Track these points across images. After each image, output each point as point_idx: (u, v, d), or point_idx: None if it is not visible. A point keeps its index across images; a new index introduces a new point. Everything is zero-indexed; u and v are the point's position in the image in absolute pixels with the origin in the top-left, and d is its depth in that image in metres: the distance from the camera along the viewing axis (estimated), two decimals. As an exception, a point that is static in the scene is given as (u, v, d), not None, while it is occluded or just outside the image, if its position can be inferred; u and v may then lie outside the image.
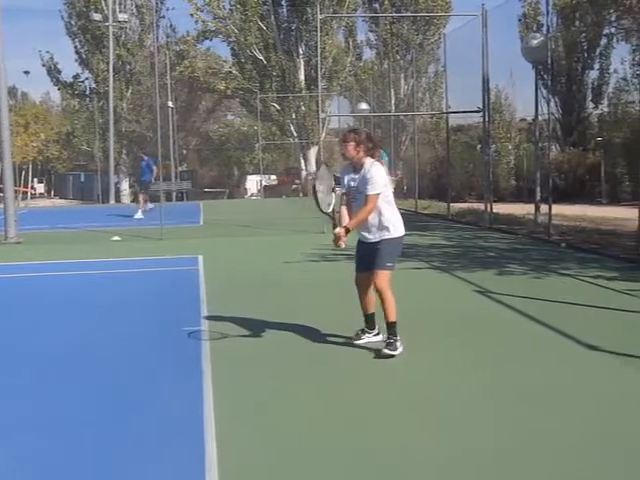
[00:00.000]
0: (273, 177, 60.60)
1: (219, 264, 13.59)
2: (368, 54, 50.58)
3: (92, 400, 5.99)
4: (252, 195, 55.32)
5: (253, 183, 57.00)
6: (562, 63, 33.60)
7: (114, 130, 47.35)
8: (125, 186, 53.39)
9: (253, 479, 4.51)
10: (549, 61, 19.36)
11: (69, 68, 63.26)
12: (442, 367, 6.61)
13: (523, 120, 36.10)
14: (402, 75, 46.03)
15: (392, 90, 42.54)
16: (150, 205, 25.01)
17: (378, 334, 7.34)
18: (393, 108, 42.06)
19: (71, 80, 55.65)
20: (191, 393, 5.99)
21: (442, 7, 44.77)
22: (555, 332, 7.75)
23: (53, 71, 55.23)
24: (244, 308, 9.37)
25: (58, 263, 14.35)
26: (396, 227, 7.00)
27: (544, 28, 21.40)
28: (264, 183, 51.18)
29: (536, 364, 6.71)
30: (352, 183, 7.03)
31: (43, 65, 54.82)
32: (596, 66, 34.94)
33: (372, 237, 6.95)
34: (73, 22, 53.56)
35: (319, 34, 23.80)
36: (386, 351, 6.83)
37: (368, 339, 7.33)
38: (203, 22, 48.29)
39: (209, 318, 8.74)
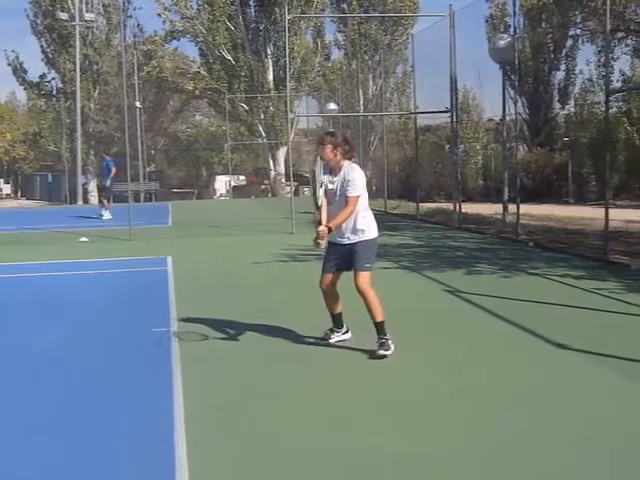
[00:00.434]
0: (242, 177, 60.49)
1: (188, 265, 13.53)
2: (336, 54, 50.71)
3: (61, 401, 5.94)
4: (221, 195, 55.18)
5: (222, 183, 56.86)
6: (529, 64, 33.87)
7: (82, 130, 46.98)
8: (93, 187, 52.98)
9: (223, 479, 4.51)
10: (516, 62, 19.50)
11: (35, 68, 62.89)
12: (414, 367, 6.62)
13: (491, 120, 36.32)
14: (370, 75, 46.13)
15: (360, 90, 42.60)
16: (106, 209, 24.48)
17: (347, 332, 7.38)
18: (362, 108, 42.13)
19: (37, 80, 55.16)
20: (161, 394, 5.96)
21: (410, 8, 44.90)
22: (525, 331, 7.80)
23: (19, 71, 54.69)
24: (213, 309, 9.34)
25: (24, 264, 14.20)
26: (370, 229, 7.02)
27: (511, 29, 21.52)
28: (233, 183, 51.06)
29: (508, 364, 6.74)
30: (330, 185, 6.98)
31: (8, 64, 54.29)
32: (562, 67, 35.31)
33: (346, 239, 6.96)
34: (39, 21, 53.06)
35: (287, 34, 23.77)
36: (380, 352, 6.81)
37: (338, 337, 7.35)
38: (171, 22, 48.14)
39: (178, 319, 8.69)
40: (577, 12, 22.44)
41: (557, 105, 35.75)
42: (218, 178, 59.53)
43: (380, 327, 6.93)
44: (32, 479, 4.58)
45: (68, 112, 52.11)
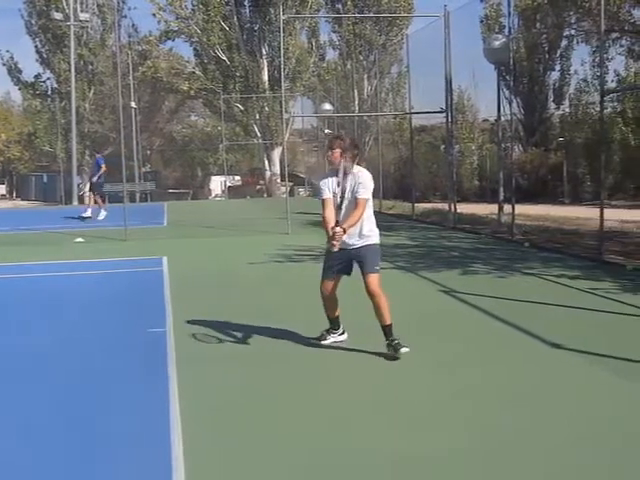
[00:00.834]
0: (237, 178, 60.52)
1: (183, 265, 13.52)
2: (331, 55, 50.73)
3: (58, 401, 5.94)
4: (216, 196, 55.23)
5: (217, 184, 56.91)
6: (524, 64, 33.92)
7: (77, 131, 46.93)
8: (88, 187, 52.92)
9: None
10: (511, 62, 19.53)
11: (30, 68, 62.81)
12: (410, 367, 6.61)
13: (486, 121, 36.40)
14: (365, 76, 46.11)
15: (355, 91, 42.66)
16: (89, 210, 24.27)
17: (343, 333, 7.38)
18: (357, 109, 42.15)
19: (32, 80, 55.15)
20: (157, 394, 5.96)
21: (404, 8, 44.91)
22: (520, 331, 7.81)
23: (14, 71, 54.70)
24: (209, 309, 9.34)
25: (20, 265, 14.18)
26: (375, 233, 7.06)
27: (506, 29, 21.55)
28: (228, 184, 51.08)
29: (504, 364, 6.75)
30: (337, 189, 6.88)
31: (3, 64, 54.32)
32: (557, 67, 35.38)
33: (352, 243, 6.92)
34: (33, 21, 53.07)
35: (282, 35, 23.83)
36: (403, 350, 6.78)
37: (334, 339, 7.36)
38: (165, 22, 48.19)
39: (174, 319, 8.69)
40: (572, 12, 22.49)
41: (552, 105, 35.84)
42: (213, 178, 59.60)
43: (389, 329, 6.91)
44: (29, 479, 4.58)
45: (63, 112, 52.12)
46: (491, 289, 10.27)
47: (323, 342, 7.34)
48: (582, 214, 19.75)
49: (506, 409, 5.55)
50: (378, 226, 7.10)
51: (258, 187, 52.91)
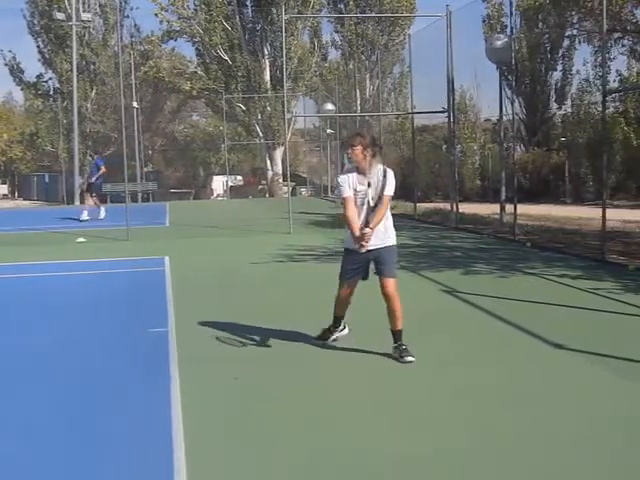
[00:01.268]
0: (239, 178, 60.53)
1: (185, 265, 13.52)
2: (333, 54, 50.78)
3: (59, 401, 5.94)
4: (218, 196, 55.22)
5: (219, 184, 56.89)
6: (526, 64, 33.88)
7: (78, 131, 46.95)
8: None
9: (222, 481, 4.51)
10: (513, 62, 19.53)
11: (32, 68, 62.86)
12: (412, 367, 6.62)
13: (488, 120, 36.37)
14: (367, 75, 46.13)
15: (357, 90, 42.66)
16: (86, 209, 24.18)
17: (344, 328, 7.33)
18: (359, 108, 42.15)
19: (34, 80, 55.20)
20: (159, 394, 5.96)
21: (407, 8, 44.90)
22: (522, 331, 7.81)
23: (16, 71, 54.75)
24: (211, 309, 9.34)
25: (22, 265, 14.19)
26: (394, 234, 6.97)
27: (508, 29, 21.53)
28: (230, 184, 51.07)
29: (506, 363, 6.75)
30: (359, 187, 6.75)
31: (5, 64, 54.37)
32: (559, 67, 35.32)
33: (372, 243, 6.73)
34: (36, 21, 53.11)
35: (284, 34, 23.83)
36: (409, 358, 6.72)
37: (336, 334, 7.30)
38: (168, 22, 48.18)
39: (176, 319, 8.69)
40: (574, 12, 22.46)
41: (554, 105, 35.78)
42: (215, 178, 59.59)
43: (399, 335, 6.85)
44: (29, 479, 4.58)
45: (65, 112, 52.16)
46: (493, 289, 10.27)
47: (327, 341, 7.29)
48: (584, 214, 19.73)
49: (507, 409, 5.55)
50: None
51: (260, 187, 52.92)
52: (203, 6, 45.95)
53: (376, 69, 43.65)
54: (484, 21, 33.31)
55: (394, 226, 7.00)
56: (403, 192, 30.22)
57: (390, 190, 6.73)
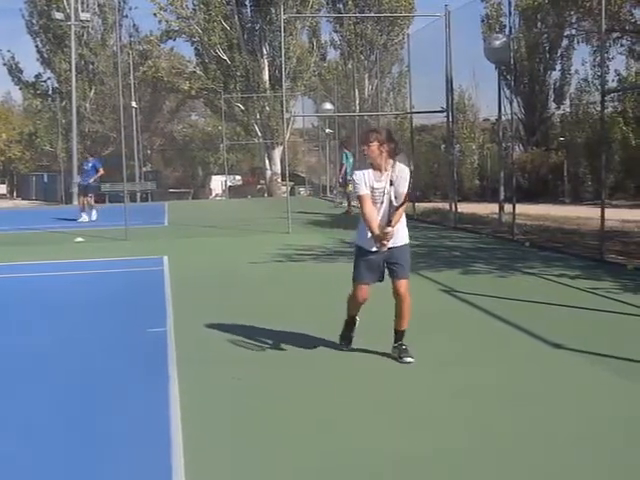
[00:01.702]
0: (238, 177, 60.51)
1: (184, 265, 13.51)
2: (332, 54, 50.74)
3: (58, 401, 5.93)
4: (217, 195, 55.22)
5: (218, 183, 56.89)
6: (524, 64, 33.86)
7: (77, 130, 46.90)
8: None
9: (221, 481, 4.51)
10: (512, 62, 19.54)
11: (31, 67, 62.76)
12: (411, 367, 6.61)
13: (486, 120, 36.34)
14: (366, 75, 46.10)
15: (356, 90, 42.58)
16: (84, 214, 23.99)
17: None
18: (357, 108, 42.09)
19: (33, 80, 55.19)
20: (158, 395, 5.95)
21: (405, 8, 44.89)
22: (521, 331, 7.81)
23: (14, 70, 54.75)
24: (210, 309, 9.34)
25: (20, 265, 14.19)
26: (407, 232, 6.83)
27: (506, 29, 21.54)
28: (229, 183, 51.05)
29: (505, 363, 6.74)
30: (376, 184, 6.58)
31: (4, 64, 54.38)
32: (558, 67, 35.29)
33: (394, 241, 6.59)
34: (34, 21, 53.12)
35: (283, 34, 23.80)
36: (408, 359, 6.70)
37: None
38: (166, 22, 48.14)
39: (175, 319, 8.69)
40: (572, 12, 22.45)
41: (553, 105, 35.75)
42: (214, 178, 59.60)
43: (402, 335, 6.81)
44: (29, 479, 4.58)
45: (64, 112, 52.14)
46: (492, 289, 10.27)
47: (348, 344, 7.06)
48: (583, 214, 19.72)
49: (506, 409, 5.55)
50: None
51: (259, 187, 52.91)
52: (202, 6, 45.91)
53: (375, 69, 43.63)
54: (483, 21, 33.28)
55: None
56: (402, 192, 30.26)
57: (406, 187, 6.56)
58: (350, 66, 44.12)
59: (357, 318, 7.08)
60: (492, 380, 6.23)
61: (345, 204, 25.46)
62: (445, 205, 21.36)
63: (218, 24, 45.72)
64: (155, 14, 47.17)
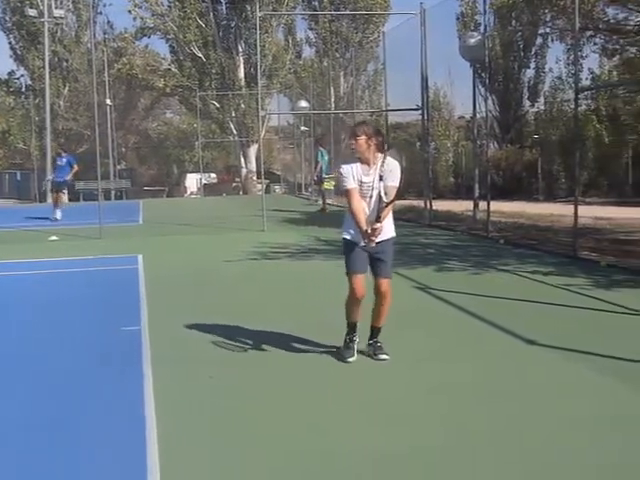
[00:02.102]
0: (213, 175, 60.29)
1: (159, 263, 13.47)
2: (308, 52, 50.77)
3: (30, 402, 5.89)
4: (192, 193, 54.98)
5: (193, 181, 56.65)
6: (499, 62, 34.04)
7: (51, 128, 46.57)
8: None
9: None
10: (486, 60, 19.60)
11: (4, 65, 62.18)
12: (387, 364, 6.61)
13: (461, 118, 36.54)
14: (342, 73, 46.15)
15: (332, 88, 42.66)
16: (58, 210, 23.74)
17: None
18: (333, 106, 42.16)
19: (6, 77, 54.72)
20: (132, 393, 5.92)
21: (381, 5, 44.97)
22: (496, 328, 7.84)
23: (-13, 68, 54.24)
24: (185, 307, 9.32)
25: (-6, 263, 14.08)
26: (393, 226, 6.69)
27: (481, 27, 21.64)
28: (204, 181, 50.88)
29: (480, 360, 6.76)
30: (365, 178, 6.44)
31: (-23, 61, 53.82)
32: (532, 65, 35.53)
33: (382, 236, 6.44)
34: (7, 17, 52.59)
35: (258, 32, 23.77)
36: (383, 356, 6.68)
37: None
38: (141, 19, 47.88)
39: (149, 318, 8.65)
40: (546, 10, 22.55)
41: (527, 103, 36.00)
42: (189, 176, 59.32)
43: (379, 331, 6.78)
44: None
45: (37, 109, 51.71)
46: (466, 286, 10.31)
47: (351, 357, 6.71)
48: (556, 211, 19.84)
49: (482, 405, 5.56)
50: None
51: (234, 184, 52.79)
52: (177, 3, 45.70)
53: (350, 66, 43.68)
54: (458, 19, 33.45)
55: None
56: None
57: (396, 181, 6.38)
58: (326, 64, 44.17)
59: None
60: (468, 377, 6.25)
61: (320, 202, 25.46)
62: (420, 202, 21.39)
63: (193, 21, 45.55)
64: (130, 11, 46.94)
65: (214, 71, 46.27)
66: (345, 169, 6.52)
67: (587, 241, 13.95)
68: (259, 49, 24.99)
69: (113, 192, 46.79)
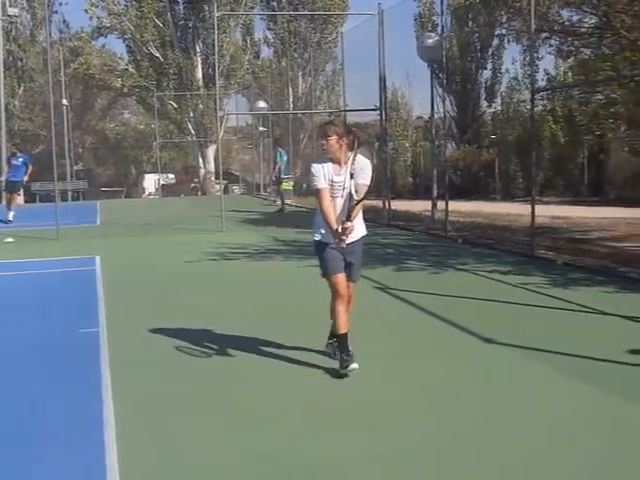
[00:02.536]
0: (171, 176, 59.94)
1: (117, 264, 13.37)
2: (266, 52, 50.72)
3: (-14, 406, 5.82)
4: (150, 194, 54.60)
5: (151, 182, 56.26)
6: (457, 62, 34.30)
7: (6, 128, 45.92)
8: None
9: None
10: (444, 60, 19.72)
11: (-43, 64, 61.37)
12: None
13: (420, 118, 36.72)
14: (300, 73, 46.19)
15: (290, 88, 42.67)
16: (12, 213, 23.39)
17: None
18: (291, 106, 42.17)
19: (-41, 76, 53.93)
20: (90, 394, 5.88)
21: (339, 6, 45.08)
22: (456, 327, 7.88)
23: (-60, 67, 53.39)
24: (143, 308, 9.26)
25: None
26: (364, 225, 6.67)
27: (439, 28, 21.78)
28: (162, 182, 50.55)
29: (439, 360, 6.80)
30: (336, 178, 6.34)
31: None
32: (489, 66, 35.83)
33: (353, 236, 6.38)
34: (-40, 16, 51.88)
35: (216, 32, 23.63)
36: (330, 353, 6.65)
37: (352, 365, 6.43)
38: (98, 18, 47.38)
39: (107, 319, 8.58)
40: (503, 12, 22.72)
41: (484, 103, 36.30)
42: (147, 176, 58.91)
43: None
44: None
45: (-9, 110, 51.01)
46: (426, 285, 10.37)
47: (349, 368, 6.23)
48: (514, 210, 20.00)
49: (442, 406, 5.59)
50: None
51: (192, 185, 52.54)
52: (134, 2, 45.38)
53: (309, 67, 43.70)
54: (415, 20, 33.66)
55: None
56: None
57: (367, 179, 6.32)
58: (284, 64, 44.18)
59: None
60: (427, 378, 6.26)
61: (279, 202, 25.45)
62: (378, 202, 21.47)
63: (150, 21, 45.28)
64: (86, 10, 46.43)
65: (172, 71, 46.04)
66: (316, 168, 6.38)
67: (544, 240, 14.09)
68: (217, 49, 24.82)
69: (70, 193, 46.38)
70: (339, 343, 6.40)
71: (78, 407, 5.67)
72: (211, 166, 47.99)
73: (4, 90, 45.53)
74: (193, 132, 48.36)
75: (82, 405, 5.71)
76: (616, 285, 10.06)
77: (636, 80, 15.45)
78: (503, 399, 5.68)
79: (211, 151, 48.04)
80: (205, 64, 46.64)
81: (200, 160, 49.45)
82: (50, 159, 20.09)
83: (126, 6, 46.17)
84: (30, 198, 40.90)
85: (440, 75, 24.93)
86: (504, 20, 24.69)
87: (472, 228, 17.13)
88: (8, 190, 24.09)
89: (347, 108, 24.71)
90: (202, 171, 49.19)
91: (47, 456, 4.79)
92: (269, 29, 47.87)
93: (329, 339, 6.80)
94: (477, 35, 34.22)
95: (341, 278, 6.39)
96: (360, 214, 6.53)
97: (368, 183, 6.30)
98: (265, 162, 37.81)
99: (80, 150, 63.10)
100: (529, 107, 14.64)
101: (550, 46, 24.55)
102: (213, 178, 46.83)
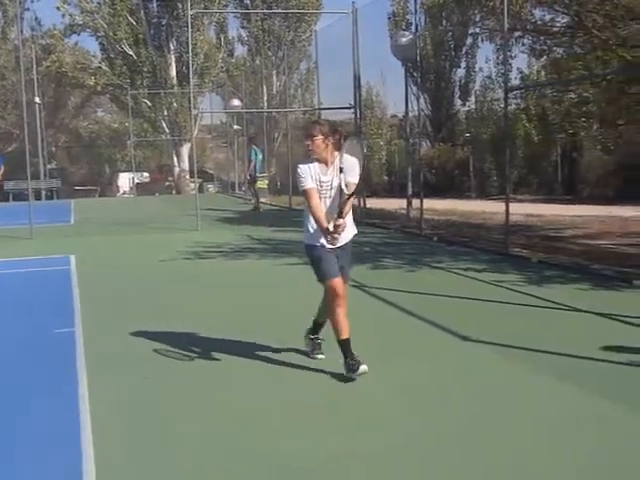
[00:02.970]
0: (146, 174, 59.65)
1: (92, 263, 13.30)
2: (240, 50, 50.63)
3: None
4: (124, 193, 54.28)
5: (125, 181, 55.92)
6: (431, 61, 34.45)
7: (-23, 127, 45.65)
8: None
9: (133, 482, 4.46)
10: (418, 59, 19.78)
11: None
12: (324, 364, 6.57)
13: (394, 116, 36.81)
14: (274, 71, 46.13)
15: (264, 86, 42.59)
16: None
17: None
18: (265, 104, 42.11)
19: None
20: (66, 395, 5.84)
21: (313, 4, 45.04)
22: (434, 326, 7.90)
23: None
24: (118, 308, 9.22)
25: None
26: (353, 223, 6.56)
27: (413, 26, 21.81)
28: (136, 181, 50.29)
29: (420, 359, 6.79)
30: (323, 177, 6.23)
31: None
32: (463, 64, 36.02)
33: (344, 236, 6.39)
34: None
35: (190, 30, 23.63)
36: (320, 356, 6.66)
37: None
38: (70, 16, 47.09)
39: (83, 319, 8.53)
40: (476, 11, 22.84)
41: (458, 102, 36.48)
42: (121, 175, 58.54)
43: (320, 329, 6.75)
44: None
45: (-37, 108, 50.61)
46: (402, 283, 10.40)
47: (357, 372, 6.10)
48: (488, 208, 20.14)
49: (422, 406, 5.61)
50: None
51: (167, 184, 52.31)
52: (107, 0, 45.15)
53: (283, 65, 43.69)
54: (389, 18, 33.75)
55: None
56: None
57: (355, 177, 6.16)
58: (258, 62, 44.08)
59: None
60: (409, 377, 6.24)
61: (254, 200, 25.40)
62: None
63: (124, 19, 45.06)
64: (58, 8, 46.13)
65: (145, 69, 45.84)
66: (303, 169, 6.24)
67: (518, 238, 14.19)
68: (191, 47, 24.74)
69: (44, 192, 46.04)
70: (343, 349, 6.27)
71: (54, 408, 5.64)
72: (185, 165, 47.85)
73: (-24, 88, 45.23)
74: (167, 130, 48.19)
75: (59, 406, 5.68)
76: (590, 282, 10.14)
77: (608, 79, 15.56)
78: (486, 398, 5.68)
79: (185, 149, 47.88)
80: (179, 62, 46.46)
81: (175, 159, 49.28)
82: (23, 158, 19.95)
83: (99, 3, 45.94)
84: (3, 197, 40.58)
85: (414, 74, 25.00)
86: (477, 19, 24.82)
87: (447, 226, 17.20)
88: None
89: (321, 106, 24.73)
90: (177, 170, 49.03)
91: (23, 458, 4.76)
92: (243, 27, 47.78)
93: (311, 334, 6.76)
94: (451, 34, 34.40)
95: (338, 281, 6.33)
96: (350, 212, 6.45)
97: (357, 181, 6.19)
98: (240, 160, 37.76)
99: (53, 149, 62.67)
100: (503, 105, 14.75)
101: (523, 45, 24.68)
102: (188, 177, 46.70)
